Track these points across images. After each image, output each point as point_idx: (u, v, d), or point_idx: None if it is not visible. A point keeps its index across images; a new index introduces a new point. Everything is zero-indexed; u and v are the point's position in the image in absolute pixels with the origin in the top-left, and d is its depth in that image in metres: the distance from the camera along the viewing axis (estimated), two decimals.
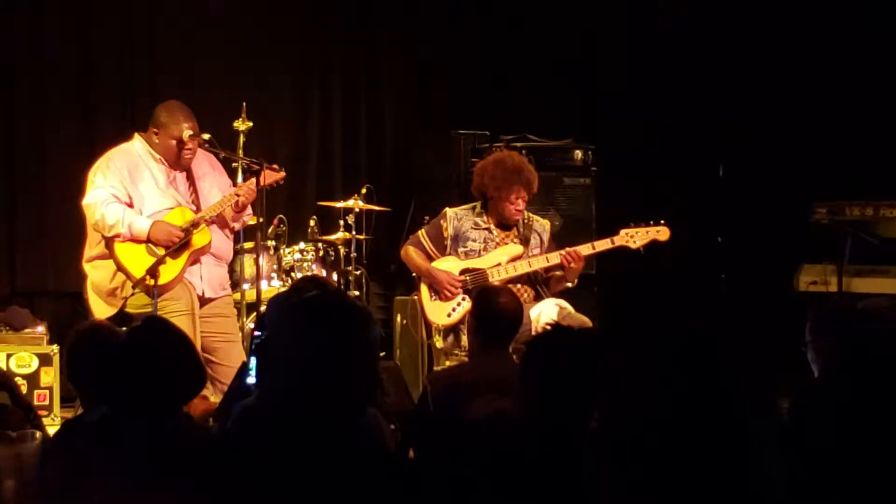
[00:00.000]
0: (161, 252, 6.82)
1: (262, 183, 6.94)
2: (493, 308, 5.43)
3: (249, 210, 7.24)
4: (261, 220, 7.09)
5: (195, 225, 6.92)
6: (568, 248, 7.19)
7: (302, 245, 8.40)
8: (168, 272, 6.84)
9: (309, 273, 8.21)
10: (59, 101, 9.09)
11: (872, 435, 2.86)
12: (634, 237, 7.24)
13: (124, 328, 5.50)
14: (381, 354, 5.68)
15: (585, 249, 7.22)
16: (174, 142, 7.02)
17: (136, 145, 7.11)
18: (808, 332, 4.68)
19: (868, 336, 3.25)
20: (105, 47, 9.20)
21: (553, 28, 10.23)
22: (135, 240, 6.86)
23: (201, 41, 9.41)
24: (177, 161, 7.09)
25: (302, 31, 9.96)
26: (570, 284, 7.35)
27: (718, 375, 2.13)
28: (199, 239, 6.98)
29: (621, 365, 2.22)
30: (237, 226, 7.36)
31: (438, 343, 7.25)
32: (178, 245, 6.84)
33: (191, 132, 6.99)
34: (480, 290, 5.97)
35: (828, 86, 9.37)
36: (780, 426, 3.64)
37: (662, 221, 7.28)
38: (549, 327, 3.98)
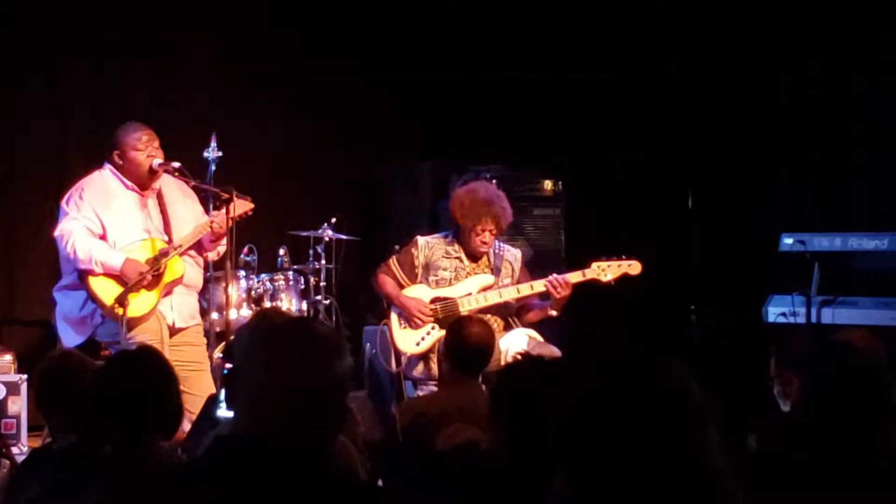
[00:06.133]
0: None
1: (231, 213, 6.91)
2: (465, 338, 5.43)
3: (224, 241, 7.20)
4: (230, 248, 7.06)
5: (165, 254, 6.88)
6: (555, 276, 7.17)
7: (272, 274, 8.38)
8: (142, 306, 6.80)
9: (277, 302, 8.21)
10: (30, 130, 9.02)
11: (842, 466, 2.87)
12: (606, 270, 7.21)
13: (96, 359, 5.48)
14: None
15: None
16: (135, 154, 6.95)
17: (106, 173, 7.05)
18: (773, 365, 4.70)
19: (840, 369, 3.26)
20: (78, 74, 9.15)
21: (524, 59, 10.28)
22: (107, 274, 6.82)
23: (172, 70, 9.39)
24: (145, 179, 7.03)
25: (272, 61, 9.93)
26: (554, 313, 7.32)
27: (656, 403, 2.14)
28: (171, 272, 6.93)
29: (564, 394, 2.23)
30: (212, 255, 7.32)
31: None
32: (149, 278, 6.81)
33: (146, 137, 6.96)
34: (453, 321, 5.97)
35: (797, 118, 9.43)
36: (748, 457, 3.65)
37: (634, 256, 7.27)
38: (519, 357, 4.00)
